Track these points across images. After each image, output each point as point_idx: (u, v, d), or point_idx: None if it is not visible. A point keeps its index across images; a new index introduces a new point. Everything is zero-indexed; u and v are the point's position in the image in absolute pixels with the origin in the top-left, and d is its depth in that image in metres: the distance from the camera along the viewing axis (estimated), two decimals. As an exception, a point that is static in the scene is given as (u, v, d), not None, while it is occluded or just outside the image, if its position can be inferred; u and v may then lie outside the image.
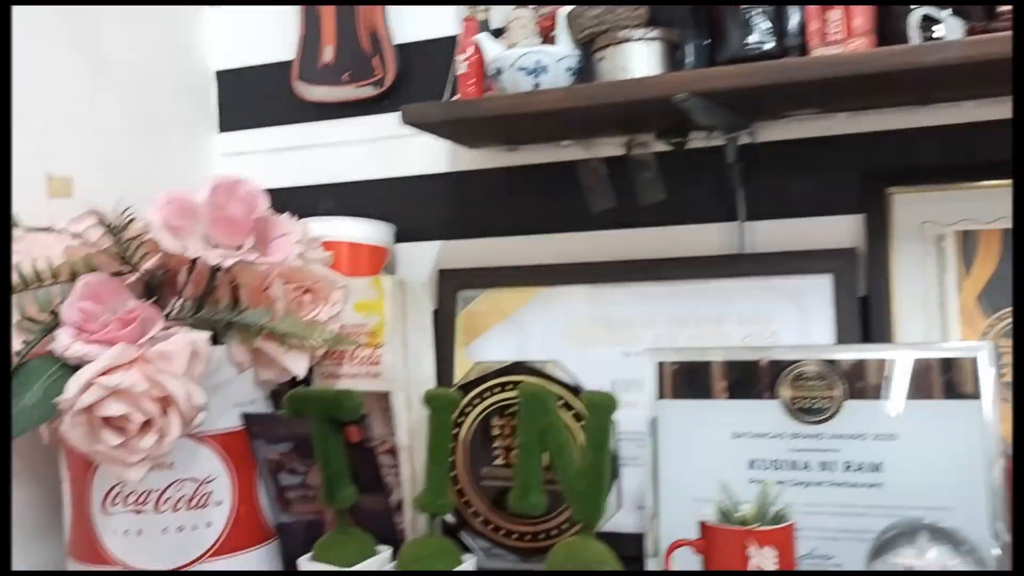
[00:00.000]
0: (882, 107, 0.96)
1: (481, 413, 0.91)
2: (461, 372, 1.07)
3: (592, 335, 1.03)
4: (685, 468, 0.84)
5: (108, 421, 0.72)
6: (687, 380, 0.86)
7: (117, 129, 1.09)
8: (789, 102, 0.93)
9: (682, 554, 0.73)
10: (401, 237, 1.15)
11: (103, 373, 0.71)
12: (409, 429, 0.93)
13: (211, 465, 0.85)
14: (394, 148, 1.16)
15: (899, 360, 0.81)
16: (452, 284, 1.10)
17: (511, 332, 1.07)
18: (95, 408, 0.71)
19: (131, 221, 0.77)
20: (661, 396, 0.87)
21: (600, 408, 0.74)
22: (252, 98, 1.23)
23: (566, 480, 0.74)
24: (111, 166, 1.07)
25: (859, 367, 0.81)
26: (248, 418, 0.87)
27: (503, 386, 0.90)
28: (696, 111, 0.88)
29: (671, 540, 0.82)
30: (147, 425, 0.73)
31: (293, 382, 0.93)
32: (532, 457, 0.76)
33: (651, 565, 0.83)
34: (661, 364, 0.87)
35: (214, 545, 0.85)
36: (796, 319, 0.96)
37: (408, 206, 1.15)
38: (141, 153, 1.12)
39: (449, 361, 1.08)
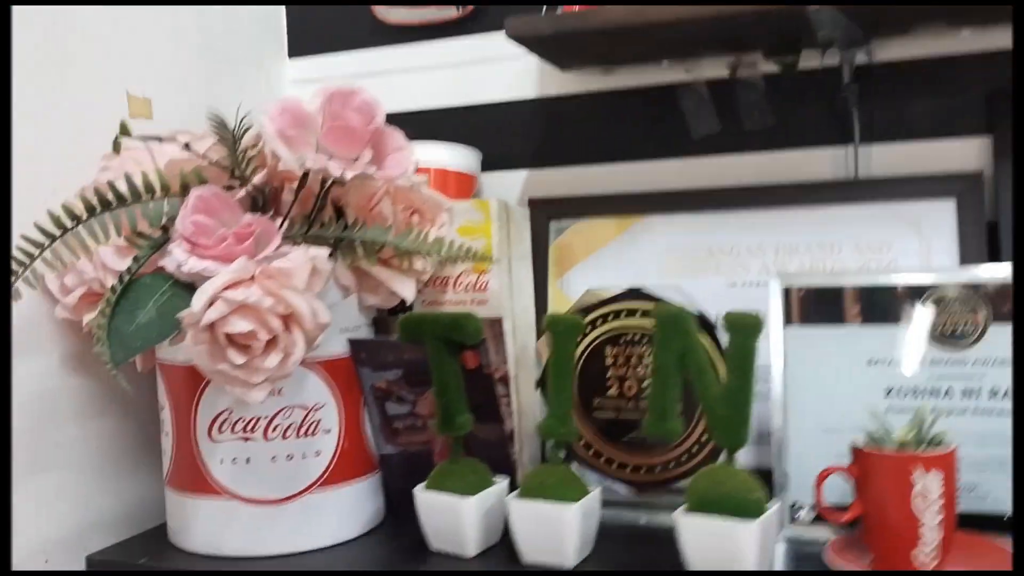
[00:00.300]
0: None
1: (593, 342, 0.87)
2: (554, 305, 1.04)
3: (694, 266, 0.99)
4: (815, 397, 0.81)
5: (231, 339, 0.68)
6: (817, 306, 0.83)
7: (187, 56, 1.04)
8: (919, 13, 0.87)
9: (832, 482, 0.70)
10: (486, 166, 1.10)
11: (226, 288, 0.67)
12: (513, 359, 0.90)
13: (319, 392, 0.82)
14: (479, 73, 1.10)
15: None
16: (543, 214, 1.06)
17: (606, 264, 1.03)
18: (219, 325, 0.67)
19: (248, 130, 0.73)
20: (788, 323, 0.83)
21: (746, 329, 0.70)
22: (324, 22, 1.18)
23: (708, 404, 0.71)
24: (181, 91, 1.02)
25: (1005, 290, 0.77)
26: (355, 344, 0.84)
27: (617, 314, 0.87)
28: (824, 22, 0.83)
29: (802, 474, 0.79)
30: (271, 344, 0.69)
31: (393, 310, 0.90)
32: (669, 381, 0.72)
33: (781, 500, 0.79)
34: (788, 290, 0.84)
35: (323, 475, 0.82)
36: (916, 246, 0.92)
37: (493, 133, 1.10)
38: (212, 78, 1.07)
39: (542, 294, 1.04)
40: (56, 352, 0.87)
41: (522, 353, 0.92)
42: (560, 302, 1.03)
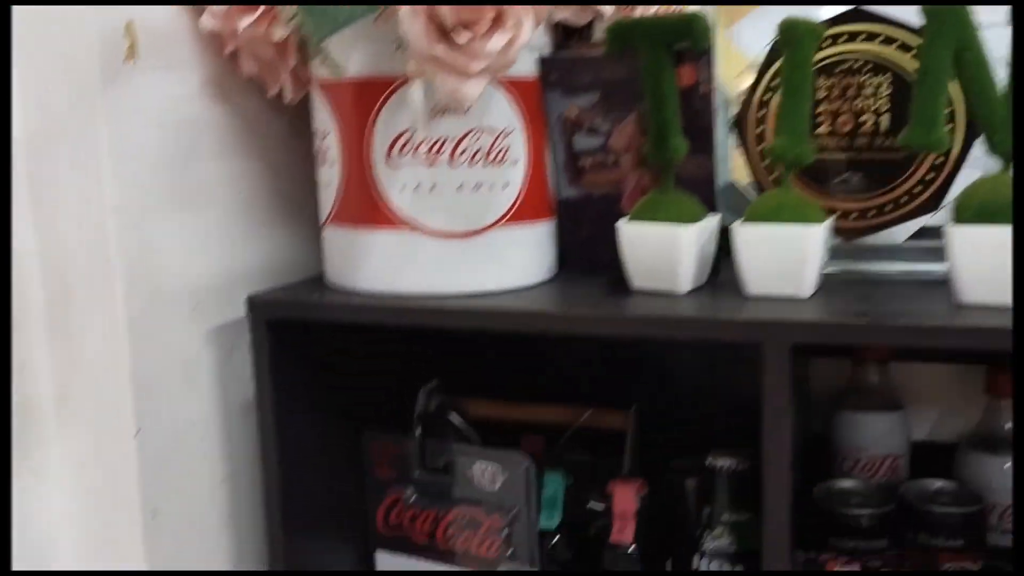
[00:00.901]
0: None
1: (801, 74, 0.77)
2: (723, 61, 0.94)
3: (894, 7, 0.89)
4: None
5: (453, 14, 0.58)
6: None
7: None
8: None
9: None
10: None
11: (452, -54, 0.57)
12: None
13: (507, 116, 0.73)
14: None
15: None
16: (712, -47, 0.94)
17: (787, 8, 0.92)
18: (442, -8, 0.57)
19: None
20: (1039, 42, 0.73)
21: (1038, 17, 0.60)
22: None
23: (989, 106, 0.62)
24: None
25: None
26: (546, 63, 0.74)
27: (835, 39, 0.77)
28: None
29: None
30: (495, 23, 0.59)
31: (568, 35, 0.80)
32: (939, 83, 0.63)
33: None
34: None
35: (511, 209, 0.74)
36: None
37: None
38: None
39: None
40: (195, 75, 0.77)
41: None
42: (729, 57, 0.93)
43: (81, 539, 0.73)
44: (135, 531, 0.72)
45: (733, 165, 0.84)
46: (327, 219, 0.77)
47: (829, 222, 0.69)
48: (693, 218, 0.70)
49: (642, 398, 0.89)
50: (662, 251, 0.70)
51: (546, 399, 0.92)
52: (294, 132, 0.86)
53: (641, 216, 0.71)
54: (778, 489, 0.63)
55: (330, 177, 0.75)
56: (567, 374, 0.97)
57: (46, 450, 0.72)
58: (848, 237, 0.78)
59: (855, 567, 0.76)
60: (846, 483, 0.85)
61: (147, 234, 0.72)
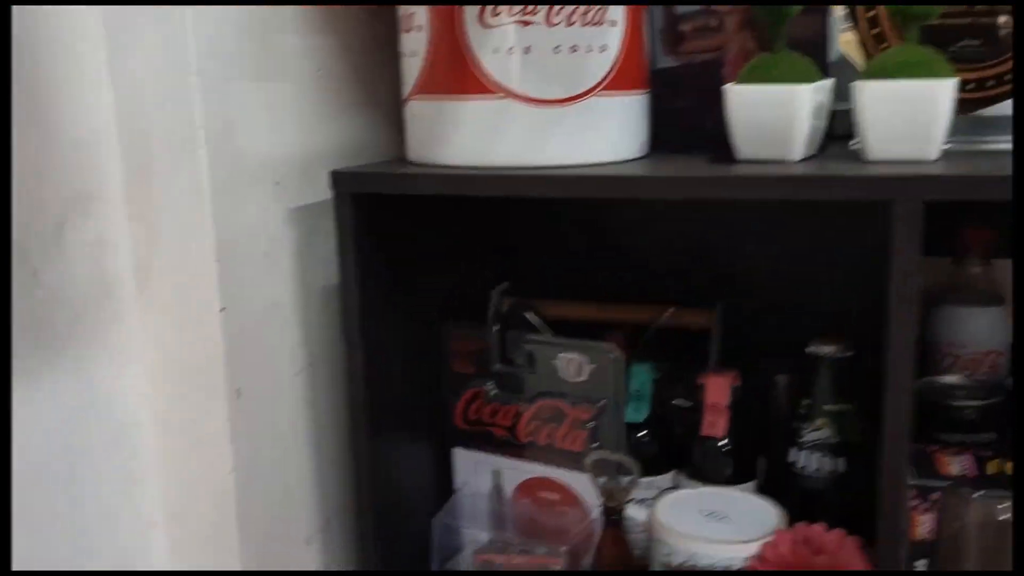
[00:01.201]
0: None
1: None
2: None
3: None
4: None
5: None
6: None
7: None
8: None
9: None
10: None
11: None
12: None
13: (607, -27, 0.68)
14: None
15: None
16: None
17: None
18: None
19: None
20: None
21: None
22: None
23: None
24: None
25: None
26: (648, -83, 0.70)
27: None
28: None
29: None
30: None
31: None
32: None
33: None
34: None
35: (608, 75, 0.69)
36: None
37: None
38: None
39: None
40: (274, -59, 0.73)
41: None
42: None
43: (164, 417, 0.71)
44: (220, 410, 0.70)
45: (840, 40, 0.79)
46: (411, 92, 0.73)
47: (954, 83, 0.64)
48: (809, 78, 0.65)
49: (727, 295, 0.85)
50: (776, 113, 0.65)
51: (628, 300, 0.89)
52: (370, 10, 0.82)
53: (751, 78, 0.66)
54: (903, 359, 0.59)
55: (416, 44, 0.71)
56: (649, 273, 0.93)
57: (127, 327, 0.70)
58: (966, 109, 0.73)
59: (965, 458, 0.73)
60: (950, 377, 0.81)
61: (229, 104, 0.69)
